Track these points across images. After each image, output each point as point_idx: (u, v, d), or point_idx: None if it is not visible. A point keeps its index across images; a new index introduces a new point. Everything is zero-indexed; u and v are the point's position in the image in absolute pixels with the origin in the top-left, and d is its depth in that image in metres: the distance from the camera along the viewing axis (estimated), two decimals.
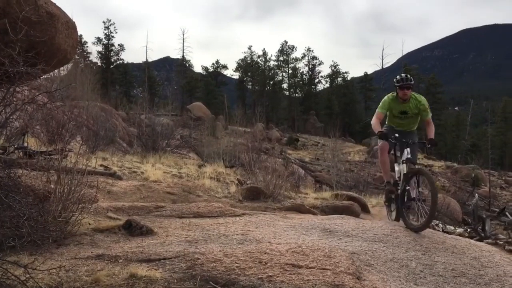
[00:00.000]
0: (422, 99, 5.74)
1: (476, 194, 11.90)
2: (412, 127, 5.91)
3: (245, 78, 71.90)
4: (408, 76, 5.59)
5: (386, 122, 5.92)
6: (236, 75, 73.57)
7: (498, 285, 3.92)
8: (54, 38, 4.38)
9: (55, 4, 4.51)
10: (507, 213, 11.66)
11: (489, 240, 5.75)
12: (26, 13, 3.85)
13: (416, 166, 5.31)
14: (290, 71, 71.11)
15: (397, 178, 5.55)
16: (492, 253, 4.76)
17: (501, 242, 5.49)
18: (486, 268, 4.24)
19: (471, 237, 6.05)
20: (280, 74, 71.87)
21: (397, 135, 5.54)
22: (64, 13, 4.65)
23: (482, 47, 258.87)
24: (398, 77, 5.60)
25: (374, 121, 5.74)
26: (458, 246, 4.75)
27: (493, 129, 55.42)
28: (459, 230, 6.97)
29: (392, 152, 5.71)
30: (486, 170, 35.94)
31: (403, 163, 5.36)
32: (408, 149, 5.37)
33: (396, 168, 5.57)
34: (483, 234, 6.01)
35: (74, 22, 4.78)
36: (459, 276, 3.98)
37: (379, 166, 6.04)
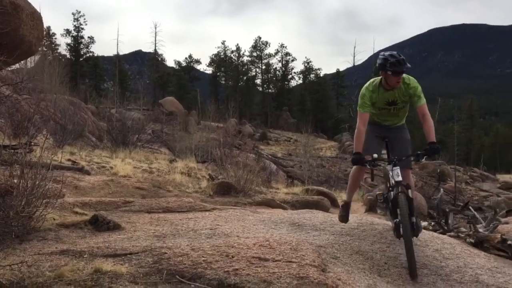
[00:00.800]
0: (411, 80, 4.26)
1: (442, 189, 12.26)
2: (402, 120, 4.60)
3: (218, 73, 71.65)
4: (402, 57, 4.10)
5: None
6: (209, 70, 73.26)
7: (458, 276, 4.06)
8: (18, 29, 4.28)
9: None
10: (470, 208, 12.04)
11: (452, 233, 5.92)
12: None
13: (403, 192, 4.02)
14: (264, 67, 71.31)
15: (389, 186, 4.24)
16: (453, 245, 4.92)
17: (462, 235, 5.66)
18: (448, 260, 4.38)
19: (435, 230, 6.23)
20: (254, 70, 72.01)
21: (375, 155, 4.14)
22: (29, 4, 4.55)
23: (450, 46, 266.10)
24: (389, 57, 4.06)
25: (357, 129, 4.28)
26: (422, 239, 4.88)
27: (459, 126, 57.14)
28: (424, 223, 7.15)
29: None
30: (452, 166, 37.05)
31: (390, 190, 4.14)
32: (398, 169, 4.09)
33: (390, 174, 4.17)
34: (446, 227, 6.19)
35: (40, 14, 4.68)
36: (421, 267, 4.10)
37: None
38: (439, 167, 36.23)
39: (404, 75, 4.20)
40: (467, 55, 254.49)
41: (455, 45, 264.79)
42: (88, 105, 34.93)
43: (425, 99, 4.30)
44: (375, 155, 4.17)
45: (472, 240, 5.41)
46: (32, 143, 8.73)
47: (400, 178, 4.06)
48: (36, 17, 4.67)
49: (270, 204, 8.17)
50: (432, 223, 6.79)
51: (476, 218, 10.35)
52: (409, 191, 4.13)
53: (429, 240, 4.89)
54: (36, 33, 4.67)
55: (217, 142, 26.76)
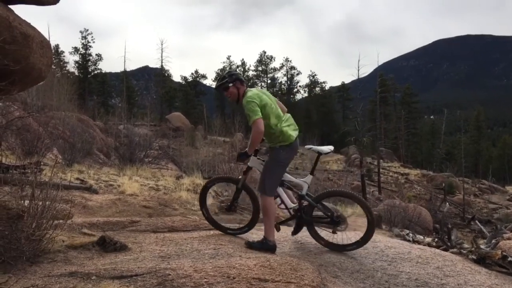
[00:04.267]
0: (245, 97, 4.45)
1: (447, 203, 12.28)
2: (269, 141, 4.63)
3: None
4: (224, 74, 4.76)
5: None
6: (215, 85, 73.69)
7: None
8: (28, 57, 4.46)
9: (29, 24, 4.59)
10: (477, 221, 12.04)
11: (454, 250, 5.97)
12: (1, 34, 3.94)
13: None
14: (269, 81, 71.77)
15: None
16: (455, 262, 4.97)
17: (464, 251, 5.69)
18: (448, 277, 4.43)
19: (438, 247, 6.28)
20: (259, 84, 72.43)
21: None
22: (39, 33, 4.73)
23: (456, 57, 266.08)
24: None
25: None
26: (423, 256, 4.95)
27: (466, 137, 56.92)
28: (428, 239, 7.20)
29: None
30: (460, 178, 36.83)
31: None
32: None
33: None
34: (449, 244, 6.24)
35: (48, 41, 4.87)
36: (422, 285, 4.16)
37: None
38: (447, 179, 36.01)
39: (249, 90, 4.56)
40: (473, 66, 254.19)
41: (460, 56, 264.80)
42: (96, 122, 35.32)
43: (256, 116, 4.27)
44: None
45: (474, 257, 5.44)
46: (42, 163, 8.93)
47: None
48: (45, 45, 4.85)
49: (275, 221, 8.21)
50: (436, 240, 6.83)
51: (482, 232, 10.34)
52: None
53: (431, 258, 4.95)
54: (45, 60, 4.84)
55: (223, 156, 26.89)
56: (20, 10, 4.68)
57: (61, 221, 4.25)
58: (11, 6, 4.59)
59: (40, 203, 3.89)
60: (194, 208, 8.53)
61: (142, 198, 8.37)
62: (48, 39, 5.03)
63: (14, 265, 3.20)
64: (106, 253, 4.07)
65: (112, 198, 7.87)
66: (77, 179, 9.53)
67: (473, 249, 5.67)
